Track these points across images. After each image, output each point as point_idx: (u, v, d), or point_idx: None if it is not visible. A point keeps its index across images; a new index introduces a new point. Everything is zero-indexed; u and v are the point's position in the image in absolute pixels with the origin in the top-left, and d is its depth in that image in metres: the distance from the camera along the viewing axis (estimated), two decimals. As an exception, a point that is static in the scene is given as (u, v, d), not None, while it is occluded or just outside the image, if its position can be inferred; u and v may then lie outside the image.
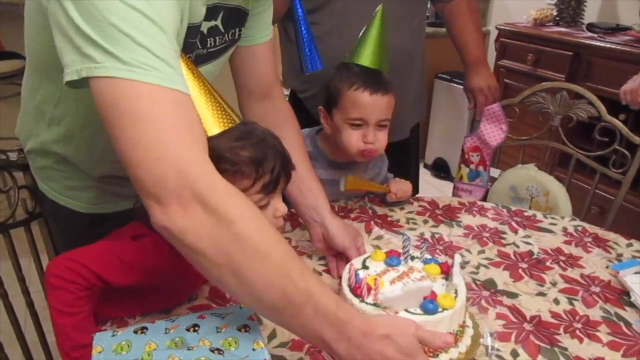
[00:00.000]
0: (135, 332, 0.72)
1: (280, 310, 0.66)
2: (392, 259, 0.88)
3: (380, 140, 1.17)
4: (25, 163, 1.03)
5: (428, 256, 0.90)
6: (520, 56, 2.59)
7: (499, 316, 0.92)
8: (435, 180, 3.29)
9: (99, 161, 0.94)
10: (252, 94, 1.06)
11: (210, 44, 0.91)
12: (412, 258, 0.89)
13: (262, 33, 1.02)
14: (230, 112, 0.81)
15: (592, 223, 1.28)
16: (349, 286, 0.81)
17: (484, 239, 1.18)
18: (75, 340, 0.77)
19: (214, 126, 0.78)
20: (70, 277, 0.76)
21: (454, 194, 1.68)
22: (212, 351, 0.67)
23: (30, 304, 1.07)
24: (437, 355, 0.76)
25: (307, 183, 1.05)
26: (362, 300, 0.78)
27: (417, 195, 1.42)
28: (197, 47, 0.88)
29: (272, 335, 0.85)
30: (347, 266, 0.87)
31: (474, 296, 0.97)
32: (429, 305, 0.76)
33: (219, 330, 0.73)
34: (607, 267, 1.08)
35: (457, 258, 0.85)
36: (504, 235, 1.19)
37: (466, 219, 1.27)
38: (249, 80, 1.05)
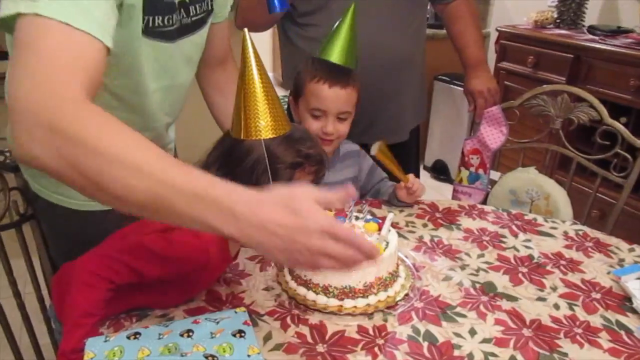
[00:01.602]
0: (128, 337, 0.71)
1: (153, 210, 0.64)
2: (339, 218, 0.98)
3: (339, 131, 1.25)
4: (17, 164, 1.01)
5: (369, 217, 1.01)
6: (521, 58, 2.58)
7: (498, 322, 0.90)
8: (435, 183, 3.28)
9: None
10: (208, 64, 1.18)
11: (193, 11, 0.97)
12: (357, 218, 1.00)
13: (221, 12, 1.13)
14: (287, 120, 0.85)
15: (592, 227, 1.27)
16: None
17: (484, 242, 1.17)
18: (79, 344, 0.76)
19: (272, 129, 0.82)
20: (106, 273, 0.76)
21: (454, 197, 1.66)
22: (206, 357, 0.66)
23: (21, 306, 1.05)
24: (367, 297, 0.90)
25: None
26: None
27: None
28: (182, 17, 0.94)
29: (268, 337, 0.84)
30: None
31: (472, 301, 0.96)
32: None
33: (213, 335, 0.72)
34: (608, 272, 1.07)
35: (390, 216, 0.97)
36: (504, 239, 1.18)
37: (466, 222, 1.26)
38: (208, 52, 1.14)
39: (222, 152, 0.89)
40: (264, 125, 0.81)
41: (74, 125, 0.62)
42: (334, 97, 1.20)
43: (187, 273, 0.86)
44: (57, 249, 1.08)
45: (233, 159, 0.86)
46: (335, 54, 1.20)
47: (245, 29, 0.81)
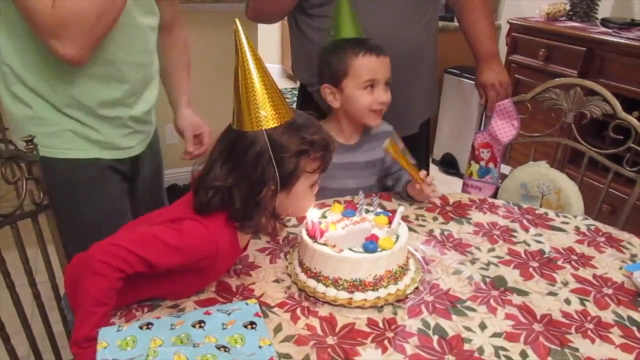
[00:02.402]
0: (141, 327, 0.71)
1: None
2: (349, 211, 1.01)
3: (389, 99, 1.30)
4: (33, 154, 1.02)
5: (379, 210, 1.02)
6: (532, 51, 2.56)
7: (508, 316, 0.90)
8: (444, 176, 3.27)
9: (58, 86, 1.06)
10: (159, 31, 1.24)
11: None
12: (367, 211, 1.01)
13: None
14: (289, 108, 0.87)
15: (604, 222, 1.26)
16: (306, 230, 0.95)
17: (494, 236, 1.16)
18: (93, 332, 0.77)
19: (274, 116, 0.84)
20: (117, 263, 0.77)
21: (463, 191, 1.66)
22: (218, 348, 0.67)
23: (37, 295, 1.07)
24: (377, 290, 0.91)
25: (177, 78, 1.37)
26: (315, 241, 0.92)
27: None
28: None
29: (278, 329, 0.85)
30: (307, 216, 0.96)
31: (483, 295, 0.96)
32: (370, 245, 0.90)
33: (224, 326, 0.72)
34: (620, 267, 1.06)
35: (400, 209, 0.98)
36: (515, 234, 1.18)
37: (476, 216, 1.25)
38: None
39: (226, 145, 0.89)
40: (265, 115, 0.83)
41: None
42: (383, 65, 1.27)
43: (197, 264, 0.87)
44: (59, 207, 1.11)
45: (237, 152, 0.86)
46: (354, 31, 1.30)
47: (236, 20, 0.82)
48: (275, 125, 0.84)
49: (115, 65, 1.09)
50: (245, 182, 0.86)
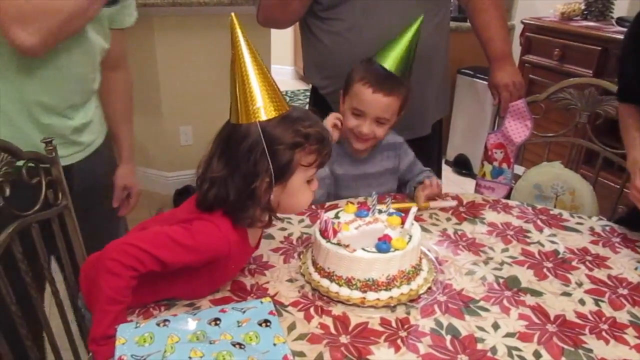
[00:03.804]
0: (158, 324, 0.73)
1: None
2: (362, 211, 1.01)
3: (375, 133, 1.27)
4: (52, 155, 1.04)
5: (392, 210, 1.02)
6: (546, 51, 2.54)
7: (521, 317, 0.90)
8: (457, 177, 3.26)
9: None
10: (102, 66, 1.25)
11: None
12: (380, 212, 1.01)
13: (121, 20, 1.26)
14: (284, 100, 0.88)
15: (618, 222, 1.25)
16: (319, 230, 0.95)
17: (508, 237, 1.16)
18: (109, 330, 0.78)
19: (272, 109, 0.85)
20: (130, 262, 0.79)
21: (476, 192, 1.65)
22: (234, 345, 0.68)
23: (55, 294, 1.09)
24: (390, 289, 0.92)
25: (118, 131, 1.41)
26: (328, 241, 0.93)
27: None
28: None
29: (292, 327, 0.86)
30: (321, 216, 0.97)
31: (496, 295, 0.96)
32: (383, 245, 0.90)
33: (239, 324, 0.73)
34: (635, 268, 1.05)
35: (413, 209, 1.00)
36: (529, 234, 1.17)
37: (490, 216, 1.25)
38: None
39: (222, 138, 0.90)
40: (259, 108, 0.83)
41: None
42: (375, 102, 1.23)
43: (211, 263, 0.88)
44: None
45: (231, 144, 0.87)
46: (390, 60, 1.23)
47: (232, 14, 0.85)
48: (269, 117, 0.84)
49: (61, 72, 1.10)
50: (239, 174, 0.86)
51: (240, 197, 0.86)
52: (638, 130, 1.18)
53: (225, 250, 0.87)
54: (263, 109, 0.84)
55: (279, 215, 0.97)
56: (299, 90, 4.98)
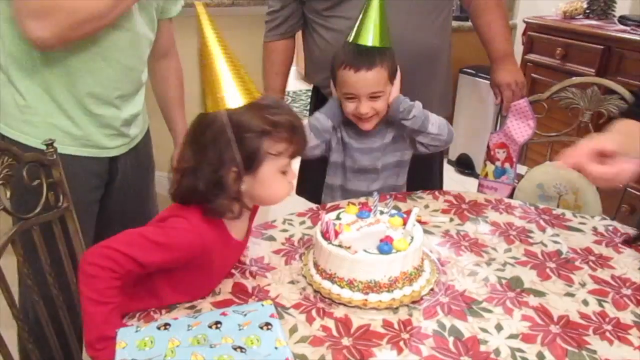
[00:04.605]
0: (159, 328, 0.72)
1: None
2: (363, 212, 0.99)
3: (375, 109, 1.27)
4: (54, 157, 1.04)
5: (394, 211, 1.01)
6: (549, 50, 2.53)
7: (525, 318, 0.90)
8: (459, 177, 3.25)
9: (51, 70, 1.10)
10: (152, 55, 1.31)
11: None
12: (382, 212, 1.00)
13: (169, 10, 1.32)
14: (254, 87, 0.88)
15: (622, 222, 1.24)
16: (321, 232, 0.95)
17: (511, 237, 1.15)
18: (102, 332, 0.78)
19: (240, 96, 0.86)
20: (106, 263, 0.79)
21: (479, 192, 1.65)
22: (235, 349, 0.67)
23: (56, 297, 1.09)
24: (392, 291, 0.91)
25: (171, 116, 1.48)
26: (330, 242, 0.92)
27: (442, 189, 1.40)
28: None
29: (293, 330, 0.85)
30: (323, 217, 0.97)
31: (499, 296, 0.95)
32: (384, 246, 0.90)
33: (241, 327, 0.73)
34: (639, 268, 1.04)
35: (415, 210, 0.99)
36: (532, 234, 1.17)
37: (493, 216, 1.24)
38: (153, 43, 1.29)
39: (192, 128, 0.91)
40: (224, 96, 0.84)
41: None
42: (361, 80, 1.23)
43: (191, 259, 0.87)
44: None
45: (198, 134, 0.87)
46: (362, 36, 1.23)
47: (198, 3, 0.87)
48: (235, 105, 0.84)
49: (109, 63, 1.14)
50: (206, 163, 0.85)
51: (207, 187, 0.85)
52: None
53: (198, 245, 0.86)
54: (229, 97, 0.83)
55: (263, 206, 0.98)
56: (300, 91, 4.97)
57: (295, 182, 1.00)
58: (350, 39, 1.25)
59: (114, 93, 1.18)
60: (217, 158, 0.85)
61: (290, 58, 1.65)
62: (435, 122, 1.32)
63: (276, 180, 0.90)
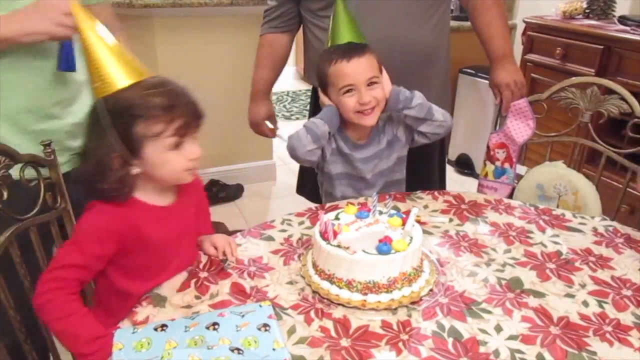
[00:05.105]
0: (156, 329, 0.72)
1: None
2: (362, 212, 0.99)
3: (376, 97, 1.26)
4: (51, 158, 1.04)
5: (393, 211, 1.01)
6: (548, 50, 2.53)
7: (524, 319, 0.89)
8: (459, 177, 3.24)
9: None
10: None
11: None
12: (381, 213, 0.99)
13: None
14: (138, 66, 0.90)
15: (622, 222, 1.24)
16: (320, 232, 0.95)
17: (511, 237, 1.15)
18: (81, 336, 0.79)
19: (123, 78, 0.87)
20: (52, 285, 0.82)
21: (479, 192, 1.64)
22: (232, 350, 0.67)
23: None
24: (391, 292, 0.90)
25: None
26: (328, 243, 0.92)
27: (442, 190, 1.40)
28: None
29: (292, 331, 0.85)
30: (321, 217, 0.96)
31: (498, 297, 0.95)
32: (383, 247, 0.90)
33: (238, 328, 0.73)
34: (639, 269, 1.04)
35: (414, 211, 0.98)
36: (531, 235, 1.16)
37: (492, 216, 1.24)
38: None
39: (86, 117, 0.94)
40: (107, 82, 0.86)
41: None
42: (356, 67, 1.24)
43: (123, 241, 0.90)
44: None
45: (87, 122, 0.91)
46: (342, 38, 1.27)
47: (73, 3, 0.91)
48: (107, 93, 0.87)
49: (32, 71, 1.06)
50: (92, 149, 0.88)
51: (95, 173, 0.88)
52: None
53: (115, 225, 0.88)
54: (111, 82, 0.86)
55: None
56: (300, 91, 4.97)
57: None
58: (329, 44, 1.29)
59: (48, 102, 1.09)
60: (99, 145, 0.87)
61: (278, 54, 1.63)
62: (439, 110, 1.33)
63: (167, 159, 0.90)
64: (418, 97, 1.30)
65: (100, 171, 0.87)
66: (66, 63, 1.06)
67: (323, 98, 1.33)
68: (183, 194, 1.01)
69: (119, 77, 0.86)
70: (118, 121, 0.86)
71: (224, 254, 1.03)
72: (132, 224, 0.90)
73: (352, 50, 1.24)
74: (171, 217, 0.98)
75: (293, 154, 1.29)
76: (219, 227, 2.46)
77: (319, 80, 1.31)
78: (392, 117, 1.36)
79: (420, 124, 1.32)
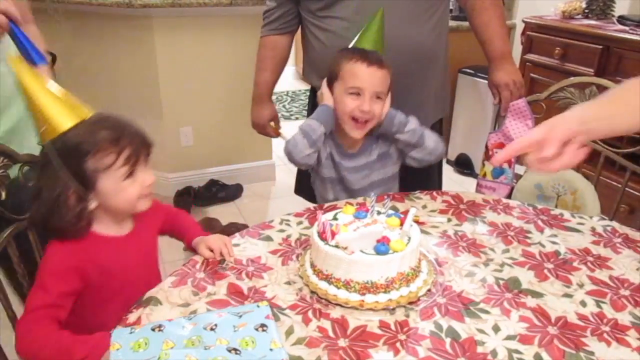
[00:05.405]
0: (153, 329, 0.72)
1: None
2: (360, 212, 0.99)
3: (374, 110, 1.26)
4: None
5: (391, 212, 1.01)
6: (547, 50, 2.53)
7: (522, 319, 0.89)
8: (458, 177, 3.24)
9: None
10: None
11: None
12: (379, 213, 0.99)
13: None
14: (80, 107, 0.91)
15: (621, 222, 1.23)
16: (318, 232, 0.94)
17: (509, 237, 1.15)
18: (73, 346, 0.80)
19: (67, 120, 0.88)
20: (32, 326, 0.83)
21: (477, 192, 1.64)
22: (229, 351, 0.67)
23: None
24: (389, 292, 0.90)
25: None
26: (326, 243, 0.92)
27: (440, 190, 1.40)
28: None
29: (290, 331, 0.85)
30: (319, 217, 0.96)
31: (496, 297, 0.95)
32: (381, 247, 0.89)
33: (236, 329, 0.73)
34: (637, 269, 1.04)
35: (412, 211, 0.98)
36: (530, 235, 1.16)
37: (491, 216, 1.24)
38: None
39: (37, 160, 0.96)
40: (54, 125, 0.88)
41: None
42: (371, 75, 1.24)
43: (87, 274, 0.92)
44: None
45: (39, 164, 0.93)
46: (369, 44, 1.28)
47: (11, 60, 0.89)
48: (65, 129, 0.88)
49: None
50: (46, 190, 0.89)
51: (49, 212, 0.89)
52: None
53: (75, 260, 0.90)
54: (58, 125, 0.87)
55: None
56: (299, 91, 4.97)
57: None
58: (355, 44, 1.29)
59: None
60: (53, 185, 0.88)
61: (280, 56, 1.63)
62: (432, 136, 1.33)
63: (122, 188, 0.92)
64: (412, 123, 1.31)
65: (57, 210, 0.89)
66: (30, 57, 1.04)
67: (325, 91, 1.33)
68: (140, 221, 1.02)
69: (64, 119, 0.88)
70: (69, 160, 0.88)
71: (221, 254, 1.03)
72: (92, 258, 0.92)
73: (374, 57, 1.25)
74: (130, 245, 1.00)
75: (290, 158, 1.29)
76: (213, 223, 2.46)
77: (330, 71, 1.31)
78: (386, 134, 1.37)
79: (411, 149, 1.33)
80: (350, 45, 1.31)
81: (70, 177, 0.88)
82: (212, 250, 1.05)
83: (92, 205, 0.92)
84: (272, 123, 1.71)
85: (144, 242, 1.03)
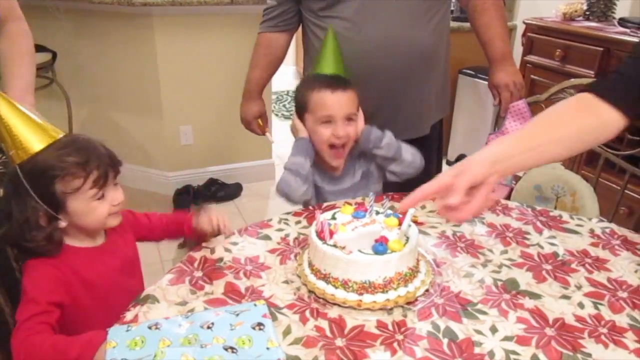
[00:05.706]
0: (150, 327, 0.72)
1: None
2: (359, 212, 0.99)
3: (350, 133, 1.29)
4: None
5: (390, 212, 1.01)
6: (548, 52, 2.53)
7: (520, 320, 0.89)
8: (458, 178, 3.24)
9: None
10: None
11: None
12: (377, 213, 0.99)
13: None
14: (49, 128, 0.92)
15: (620, 224, 1.23)
16: (316, 232, 0.94)
17: (507, 238, 1.15)
18: (69, 346, 0.80)
19: (37, 143, 0.89)
20: (26, 334, 0.83)
21: (477, 192, 1.64)
22: (226, 349, 0.67)
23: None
24: (387, 292, 0.90)
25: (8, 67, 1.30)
26: (324, 242, 0.92)
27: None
28: None
29: (287, 331, 0.85)
30: (318, 217, 0.97)
31: (494, 298, 0.94)
32: (379, 247, 0.89)
33: (232, 328, 0.72)
34: (636, 271, 1.04)
35: (410, 211, 0.95)
36: (528, 236, 1.16)
37: (489, 217, 1.24)
38: None
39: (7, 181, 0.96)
40: (22, 148, 0.89)
41: None
42: (339, 100, 1.26)
43: (68, 285, 0.93)
44: None
45: (6, 187, 0.94)
46: (329, 68, 1.31)
47: None
48: (35, 151, 0.89)
49: None
50: (14, 213, 0.90)
51: (21, 234, 0.90)
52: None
53: (55, 272, 0.91)
54: (17, 153, 0.89)
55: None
56: (300, 90, 4.97)
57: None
58: (315, 71, 1.33)
59: None
60: (22, 208, 0.89)
61: (274, 54, 1.63)
62: (408, 149, 1.33)
63: (92, 208, 0.94)
64: (387, 137, 1.32)
65: (27, 231, 0.90)
66: None
67: (297, 123, 1.34)
68: (113, 232, 1.03)
69: (33, 141, 0.89)
70: (38, 184, 0.89)
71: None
72: (70, 269, 0.93)
73: (336, 82, 1.27)
74: (106, 255, 1.01)
75: (288, 199, 1.30)
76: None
77: (298, 104, 1.33)
78: (365, 151, 1.37)
79: (389, 163, 1.34)
80: (311, 73, 1.34)
81: (39, 200, 0.89)
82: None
83: (62, 225, 0.94)
84: (259, 120, 1.71)
85: (120, 250, 1.04)
